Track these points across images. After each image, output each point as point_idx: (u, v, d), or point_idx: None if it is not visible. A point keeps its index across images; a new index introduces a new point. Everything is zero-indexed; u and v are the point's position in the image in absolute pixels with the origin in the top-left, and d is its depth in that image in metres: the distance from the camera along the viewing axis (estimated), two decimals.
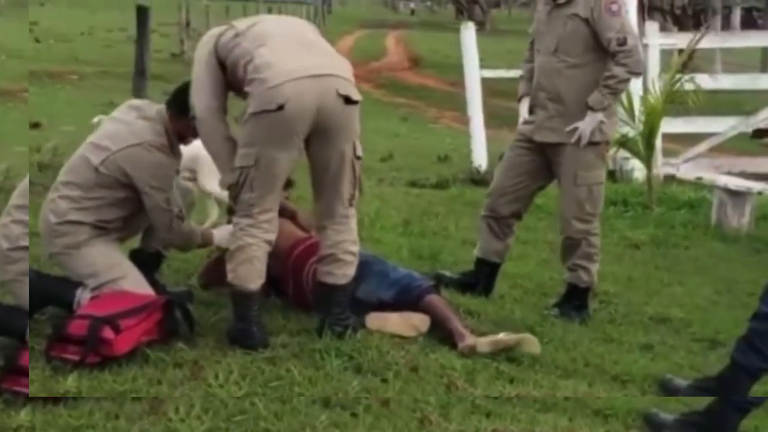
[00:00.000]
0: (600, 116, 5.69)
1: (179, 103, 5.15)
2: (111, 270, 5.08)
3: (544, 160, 5.97)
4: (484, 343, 4.92)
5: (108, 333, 4.50)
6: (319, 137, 4.78)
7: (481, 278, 6.16)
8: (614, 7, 5.65)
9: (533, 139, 5.95)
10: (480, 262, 6.18)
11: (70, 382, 4.27)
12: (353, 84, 4.86)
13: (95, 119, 6.79)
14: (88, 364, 4.42)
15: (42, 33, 31.13)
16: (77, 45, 29.45)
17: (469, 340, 4.96)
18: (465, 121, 12.27)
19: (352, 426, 4.13)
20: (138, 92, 9.86)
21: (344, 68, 4.90)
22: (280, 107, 4.58)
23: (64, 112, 14.32)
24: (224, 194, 5.90)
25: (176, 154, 5.31)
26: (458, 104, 19.50)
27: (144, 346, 4.62)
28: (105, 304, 4.76)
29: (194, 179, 7.17)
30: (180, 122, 5.18)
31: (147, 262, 5.47)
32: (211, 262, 5.58)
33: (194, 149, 7.30)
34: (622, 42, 5.61)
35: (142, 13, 10.16)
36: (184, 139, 5.31)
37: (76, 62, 24.12)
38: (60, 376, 4.34)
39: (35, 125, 12.71)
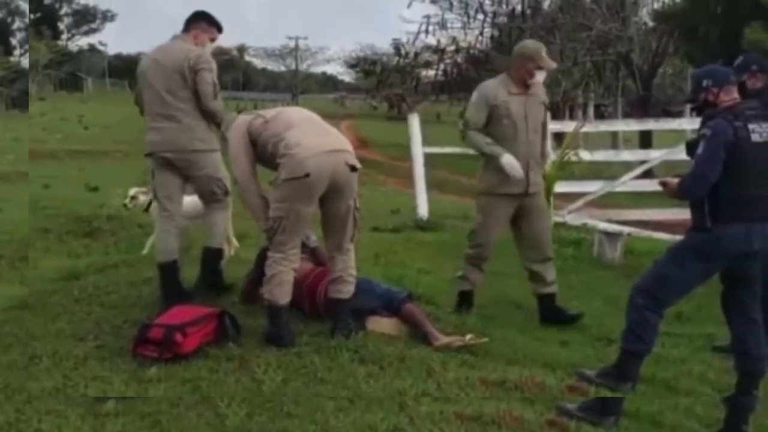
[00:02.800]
0: None
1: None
2: None
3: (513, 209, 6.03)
4: (454, 342, 4.97)
5: (178, 337, 4.51)
6: (332, 195, 4.85)
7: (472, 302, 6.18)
8: None
9: (528, 192, 5.96)
10: (471, 293, 6.21)
11: (153, 372, 4.27)
12: (354, 156, 4.94)
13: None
14: (164, 359, 4.42)
15: (88, 122, 30.91)
16: (116, 131, 29.19)
17: (443, 339, 4.99)
18: (407, 184, 12.27)
19: (382, 376, 4.34)
20: None
21: (348, 144, 5.01)
22: (307, 175, 4.66)
23: (114, 180, 14.19)
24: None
25: None
26: (399, 172, 19.68)
27: (204, 346, 4.61)
28: (175, 315, 4.73)
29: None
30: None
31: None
32: (246, 284, 5.55)
33: (199, 204, 7.28)
34: None
35: None
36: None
37: (118, 143, 23.92)
38: (144, 367, 4.34)
39: (94, 188, 12.57)
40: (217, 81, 5.58)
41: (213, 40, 5.77)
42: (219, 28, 5.79)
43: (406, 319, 5.14)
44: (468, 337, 5.00)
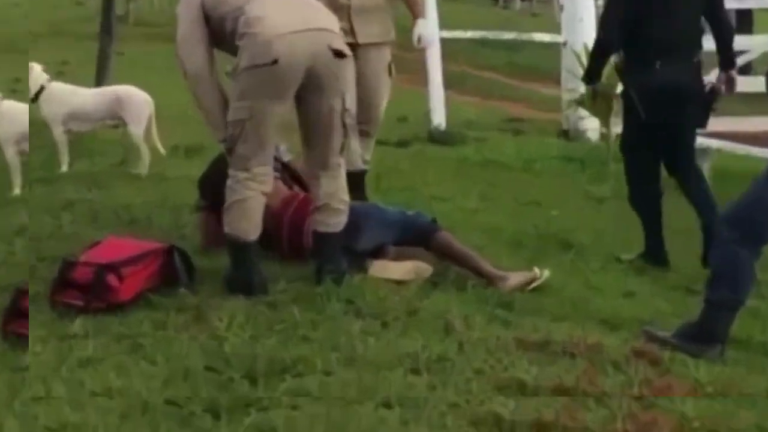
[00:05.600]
0: None
1: None
2: None
3: None
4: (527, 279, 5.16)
5: (112, 280, 4.52)
6: (310, 90, 4.80)
7: None
8: None
9: None
10: None
11: (77, 326, 4.28)
12: (342, 38, 4.89)
13: None
14: (93, 310, 4.42)
15: None
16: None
17: (512, 278, 5.12)
18: (417, 81, 12.21)
19: (384, 334, 4.34)
20: (103, 48, 10.01)
21: (333, 22, 4.94)
22: (275, 61, 4.60)
23: None
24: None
25: None
26: (407, 66, 19.35)
27: (147, 292, 4.62)
28: (107, 251, 4.74)
29: (120, 126, 7.30)
30: None
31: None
32: (206, 224, 5.51)
33: (117, 92, 7.26)
34: None
35: None
36: None
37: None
38: (67, 319, 4.35)
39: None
40: None
41: None
42: None
43: (443, 252, 5.19)
44: (536, 271, 5.18)
